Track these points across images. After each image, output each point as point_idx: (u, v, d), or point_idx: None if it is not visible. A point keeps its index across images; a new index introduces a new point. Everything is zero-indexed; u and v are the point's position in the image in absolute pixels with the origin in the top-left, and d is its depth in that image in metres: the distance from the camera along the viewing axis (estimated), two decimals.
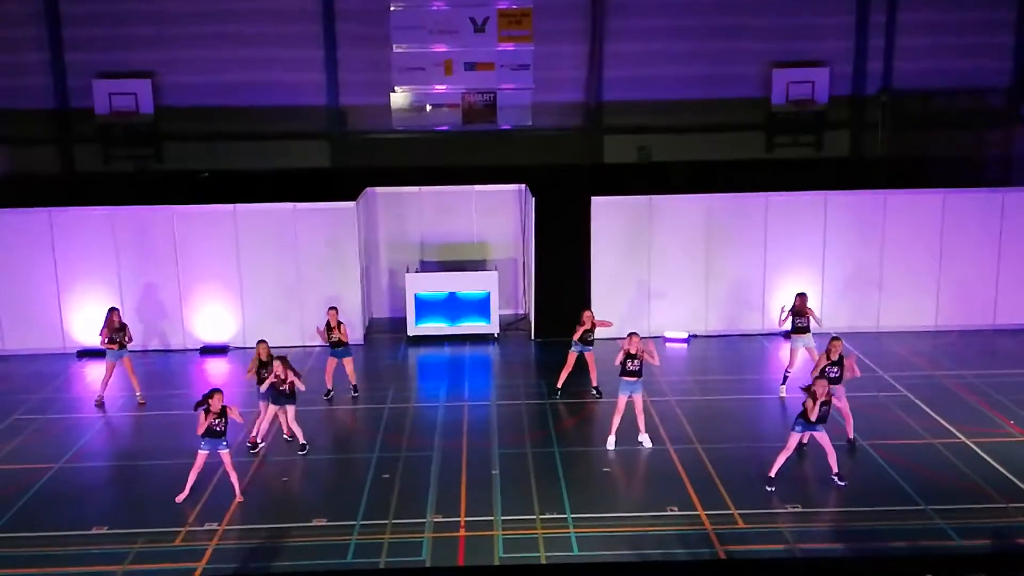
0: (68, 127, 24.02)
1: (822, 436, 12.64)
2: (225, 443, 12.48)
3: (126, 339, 16.00)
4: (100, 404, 16.15)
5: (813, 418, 12.41)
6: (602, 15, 23.85)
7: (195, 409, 12.41)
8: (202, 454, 12.47)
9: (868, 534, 11.48)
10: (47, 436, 14.89)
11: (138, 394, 16.19)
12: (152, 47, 23.56)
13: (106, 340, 15.86)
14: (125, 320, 16.37)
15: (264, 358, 14.05)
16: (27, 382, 17.41)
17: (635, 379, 13.78)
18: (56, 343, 18.90)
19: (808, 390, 12.45)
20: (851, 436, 13.84)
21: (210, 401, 12.28)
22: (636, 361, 13.69)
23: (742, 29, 23.94)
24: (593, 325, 15.88)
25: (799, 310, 15.86)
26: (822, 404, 12.36)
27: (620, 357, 13.73)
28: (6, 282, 18.72)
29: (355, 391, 16.37)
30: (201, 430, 12.30)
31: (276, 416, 14.16)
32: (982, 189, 19.87)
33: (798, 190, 19.57)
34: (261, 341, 14.29)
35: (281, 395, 13.85)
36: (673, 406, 15.66)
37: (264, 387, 13.82)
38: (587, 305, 17.86)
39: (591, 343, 16.01)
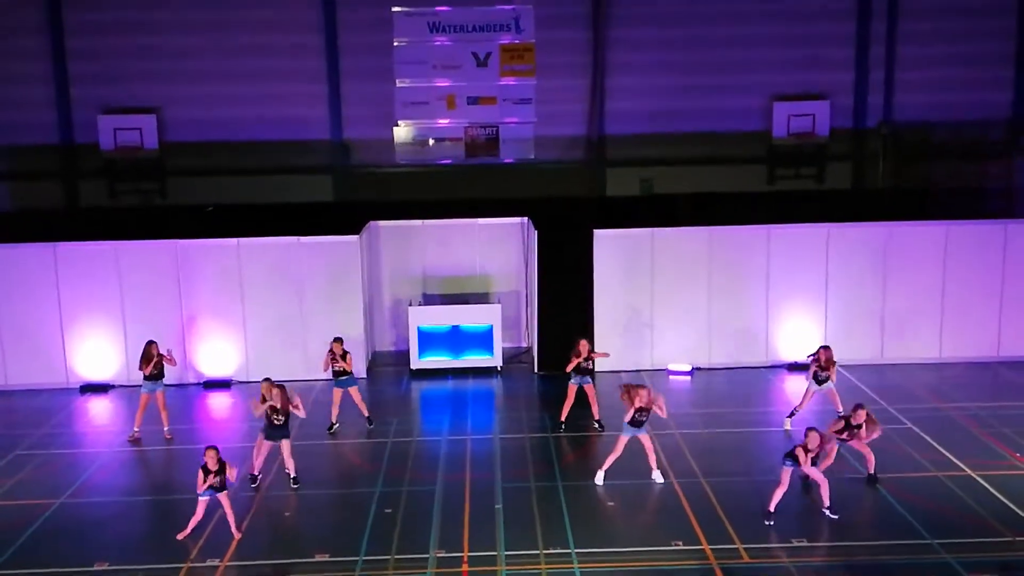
0: (73, 162, 24.18)
1: (814, 469, 12.62)
2: (224, 490, 12.41)
3: (163, 369, 15.93)
4: (136, 440, 15.98)
5: (805, 471, 12.58)
6: (603, 49, 24.08)
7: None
8: (202, 501, 12.34)
9: (874, 569, 11.39)
10: (49, 471, 14.84)
11: (166, 428, 16.04)
12: (157, 83, 23.80)
13: (148, 371, 15.77)
14: (129, 354, 16.34)
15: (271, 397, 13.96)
16: (30, 417, 17.38)
17: (639, 426, 13.74)
18: (59, 378, 18.88)
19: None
20: (871, 471, 13.70)
21: (205, 460, 12.25)
22: (645, 413, 13.63)
23: (743, 63, 24.15)
24: (589, 355, 15.84)
25: (823, 364, 15.58)
26: (807, 451, 12.43)
27: (630, 414, 13.55)
28: (10, 317, 18.74)
29: (370, 422, 16.26)
30: (202, 489, 12.25)
31: (272, 450, 14.01)
32: (984, 221, 19.91)
33: (800, 222, 19.61)
34: (266, 380, 14.21)
35: (275, 428, 13.75)
36: (677, 439, 15.60)
37: (258, 414, 13.76)
38: (589, 338, 17.86)
39: (589, 373, 15.95)
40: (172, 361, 16.14)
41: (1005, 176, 24.50)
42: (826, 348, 15.79)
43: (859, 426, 13.29)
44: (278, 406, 13.63)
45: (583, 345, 15.84)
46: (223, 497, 12.38)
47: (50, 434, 16.55)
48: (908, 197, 23.67)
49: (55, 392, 18.63)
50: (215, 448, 12.38)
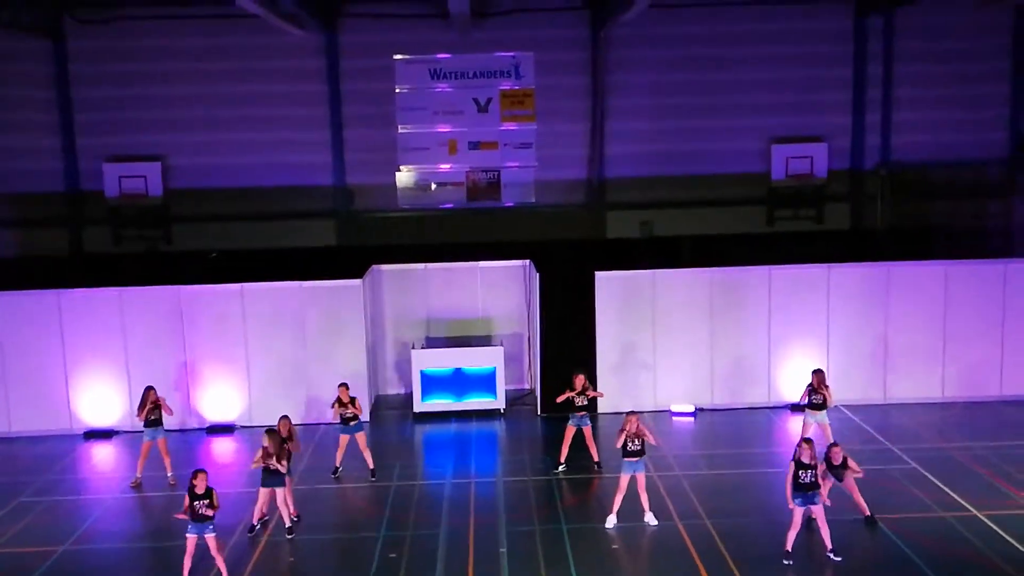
0: (79, 210, 24.41)
1: (819, 510, 12.61)
2: (212, 527, 12.29)
3: (162, 416, 15.93)
4: (138, 486, 15.99)
5: (788, 487, 12.50)
6: (602, 94, 24.40)
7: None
8: (191, 538, 12.26)
9: None
10: (52, 518, 14.81)
11: (169, 475, 16.02)
12: (161, 131, 24.14)
13: (143, 417, 15.80)
14: (132, 400, 16.36)
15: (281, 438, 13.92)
16: (33, 463, 17.37)
17: (637, 459, 13.72)
18: (63, 424, 18.90)
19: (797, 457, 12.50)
20: (867, 512, 13.68)
21: (194, 482, 12.16)
22: (637, 441, 13.65)
23: (741, 106, 24.46)
24: (584, 391, 15.82)
25: (815, 387, 15.79)
26: (807, 468, 12.36)
27: (621, 440, 13.65)
28: (14, 363, 18.79)
29: (372, 475, 16.09)
30: (185, 511, 12.13)
31: (271, 498, 13.91)
32: (983, 260, 20.02)
33: (800, 263, 19.73)
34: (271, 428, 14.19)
35: (271, 475, 13.68)
36: (680, 480, 15.56)
37: (255, 466, 13.74)
38: (592, 379, 17.91)
39: (584, 410, 15.90)
40: (168, 409, 16.15)
41: (1003, 215, 24.69)
42: (818, 371, 15.89)
43: (842, 466, 13.27)
44: (272, 451, 13.54)
45: (579, 379, 15.84)
46: (211, 541, 12.24)
47: (53, 480, 16.53)
48: (907, 237, 23.82)
49: (59, 438, 18.62)
50: (204, 472, 12.29)
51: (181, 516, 12.37)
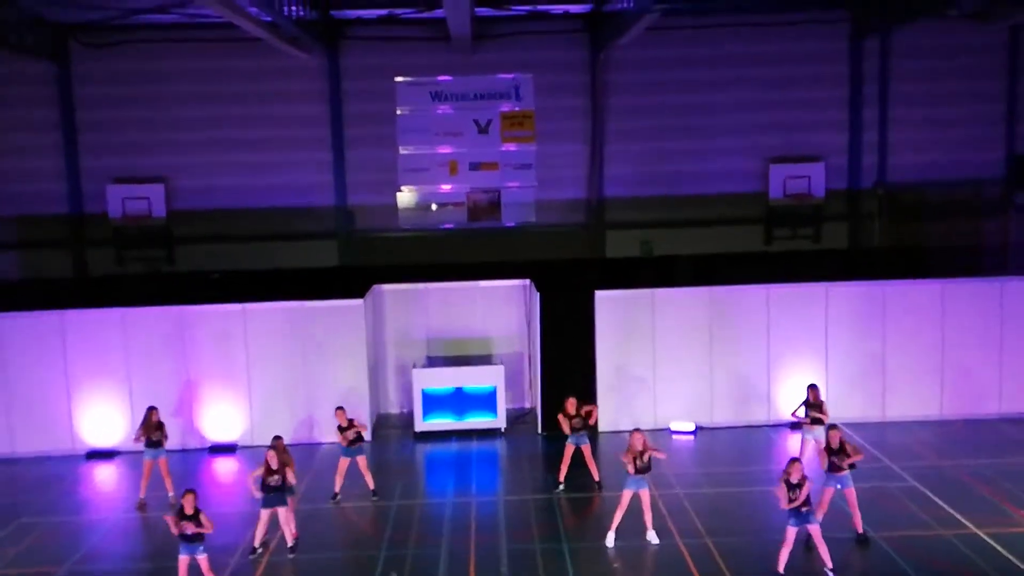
0: (82, 231, 24.55)
1: (815, 529, 12.62)
2: (202, 548, 12.26)
3: (163, 438, 15.95)
4: (142, 507, 16.01)
5: (783, 505, 12.47)
6: (601, 115, 24.60)
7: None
8: (183, 559, 12.22)
9: None
10: (55, 539, 14.85)
11: (171, 495, 15.97)
12: (165, 153, 24.31)
13: (141, 438, 15.82)
14: (135, 421, 16.40)
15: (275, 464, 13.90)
16: (36, 484, 17.42)
17: (642, 476, 13.76)
18: (66, 444, 18.96)
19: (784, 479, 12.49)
20: (860, 530, 13.74)
21: (182, 502, 12.15)
22: (645, 457, 13.69)
23: (739, 127, 24.65)
24: (579, 413, 15.86)
25: (811, 402, 15.91)
26: (796, 487, 12.38)
27: (630, 459, 13.60)
28: (17, 384, 18.87)
29: (374, 495, 16.08)
30: (173, 531, 12.09)
31: (272, 518, 13.88)
32: (980, 278, 20.13)
33: (798, 282, 19.84)
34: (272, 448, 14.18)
35: (272, 492, 13.62)
36: (681, 498, 15.61)
37: (251, 482, 13.71)
38: (592, 398, 17.99)
39: (582, 430, 15.93)
40: (164, 434, 16.08)
41: (1000, 233, 24.82)
42: (812, 387, 15.99)
43: (841, 449, 13.36)
44: (274, 467, 13.59)
45: (570, 403, 15.89)
46: (203, 561, 12.23)
47: (55, 501, 16.58)
48: (904, 256, 23.93)
49: (61, 459, 18.67)
50: (193, 492, 12.29)
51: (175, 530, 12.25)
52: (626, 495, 13.82)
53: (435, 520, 15.19)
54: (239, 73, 24.18)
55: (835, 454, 13.42)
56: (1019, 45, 24.58)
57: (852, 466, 13.43)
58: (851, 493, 13.59)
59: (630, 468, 13.62)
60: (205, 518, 12.21)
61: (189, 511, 12.10)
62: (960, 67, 24.57)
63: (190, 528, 12.06)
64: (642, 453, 13.63)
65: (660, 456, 13.91)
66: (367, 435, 16.69)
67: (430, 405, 19.67)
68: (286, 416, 19.08)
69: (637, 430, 13.91)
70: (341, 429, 15.79)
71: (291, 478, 13.78)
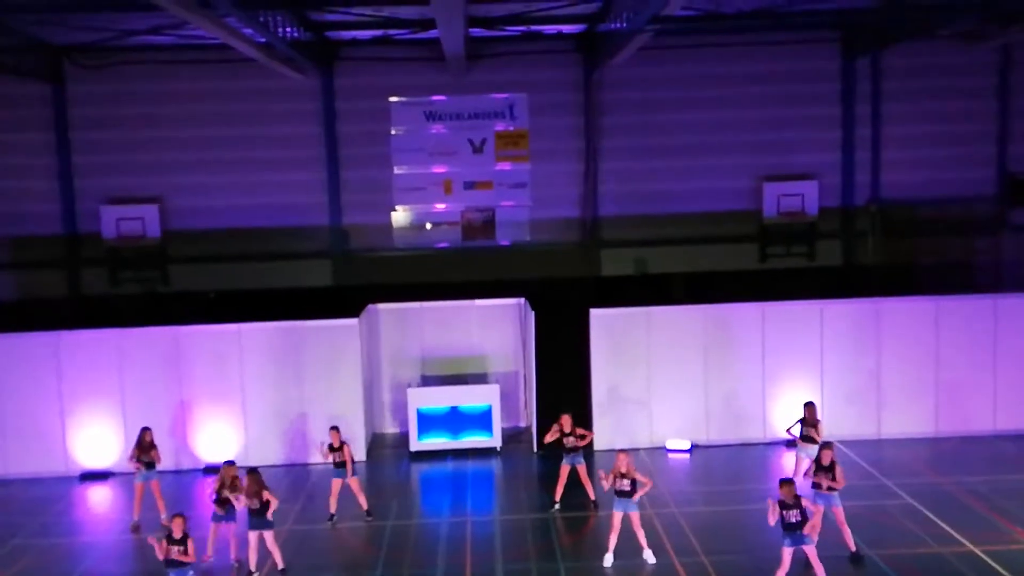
0: (76, 252, 24.53)
1: (810, 550, 12.55)
2: (191, 574, 12.18)
3: (156, 459, 15.87)
4: (136, 529, 15.92)
5: (772, 522, 12.43)
6: (595, 134, 24.70)
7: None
8: None
9: None
10: (48, 561, 14.76)
11: (163, 516, 15.85)
12: (159, 173, 24.28)
13: (134, 460, 15.74)
14: (128, 442, 16.32)
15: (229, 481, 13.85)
16: (29, 505, 17.32)
17: (627, 498, 13.74)
18: (59, 466, 18.86)
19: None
20: (853, 548, 13.70)
21: (170, 526, 12.06)
22: (627, 480, 13.68)
23: (732, 145, 24.75)
24: (573, 431, 15.83)
25: (807, 419, 15.91)
26: (791, 507, 12.34)
27: (611, 480, 13.66)
28: (11, 405, 18.80)
29: (369, 514, 16.04)
30: (160, 556, 11.98)
31: (260, 542, 13.76)
32: (974, 296, 20.20)
33: (793, 299, 19.89)
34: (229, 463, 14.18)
35: (256, 516, 13.56)
36: (677, 517, 15.58)
37: (240, 507, 13.66)
38: (587, 416, 17.96)
39: (576, 450, 15.90)
40: (158, 456, 16.03)
41: (992, 251, 24.92)
42: (809, 404, 16.01)
43: (830, 467, 13.37)
44: (251, 491, 13.45)
45: (565, 419, 15.88)
46: None
47: (49, 523, 16.49)
48: (898, 273, 24.00)
49: (55, 480, 18.57)
50: (182, 516, 12.21)
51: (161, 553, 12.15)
52: (616, 516, 13.82)
53: (431, 540, 15.14)
54: (234, 94, 24.22)
55: (824, 471, 13.42)
56: (1010, 64, 24.75)
57: (831, 488, 13.47)
58: (839, 512, 13.58)
59: (604, 484, 13.68)
60: (191, 546, 12.07)
61: (178, 535, 12.00)
62: (952, 86, 24.72)
63: (178, 553, 11.95)
64: (624, 475, 13.61)
65: (645, 483, 13.77)
66: (356, 457, 16.59)
67: (425, 424, 19.63)
68: (281, 436, 19.02)
69: (623, 451, 13.92)
70: (332, 448, 15.75)
71: (273, 500, 13.64)
